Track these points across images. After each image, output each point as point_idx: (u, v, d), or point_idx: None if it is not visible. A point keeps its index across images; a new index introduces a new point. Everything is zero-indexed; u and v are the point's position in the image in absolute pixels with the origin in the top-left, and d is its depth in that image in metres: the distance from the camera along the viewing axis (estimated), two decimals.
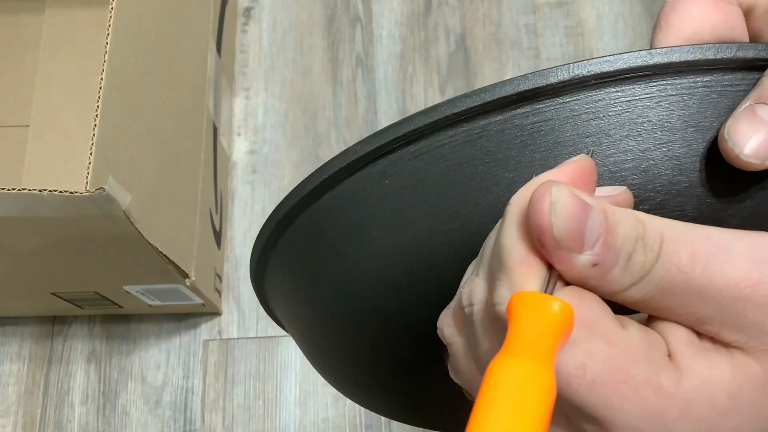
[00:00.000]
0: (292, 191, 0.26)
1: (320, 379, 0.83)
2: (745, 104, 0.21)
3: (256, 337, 0.84)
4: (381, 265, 0.25)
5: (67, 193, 0.51)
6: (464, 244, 0.24)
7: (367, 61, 0.95)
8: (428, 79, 0.94)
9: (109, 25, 0.56)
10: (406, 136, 0.24)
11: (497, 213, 0.22)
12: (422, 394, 0.32)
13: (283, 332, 0.85)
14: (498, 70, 0.94)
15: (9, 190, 0.52)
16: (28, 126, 0.84)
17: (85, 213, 0.54)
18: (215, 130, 0.84)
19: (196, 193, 0.77)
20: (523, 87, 0.22)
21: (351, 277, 0.26)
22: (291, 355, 0.84)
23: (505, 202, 0.21)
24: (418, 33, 0.96)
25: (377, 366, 0.30)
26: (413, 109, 0.93)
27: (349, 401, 0.82)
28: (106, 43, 0.55)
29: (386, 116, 0.93)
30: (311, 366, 0.84)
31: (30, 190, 0.52)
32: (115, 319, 0.85)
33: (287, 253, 0.28)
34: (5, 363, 0.84)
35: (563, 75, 0.22)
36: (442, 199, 0.24)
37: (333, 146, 0.92)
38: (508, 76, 0.94)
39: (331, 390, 0.83)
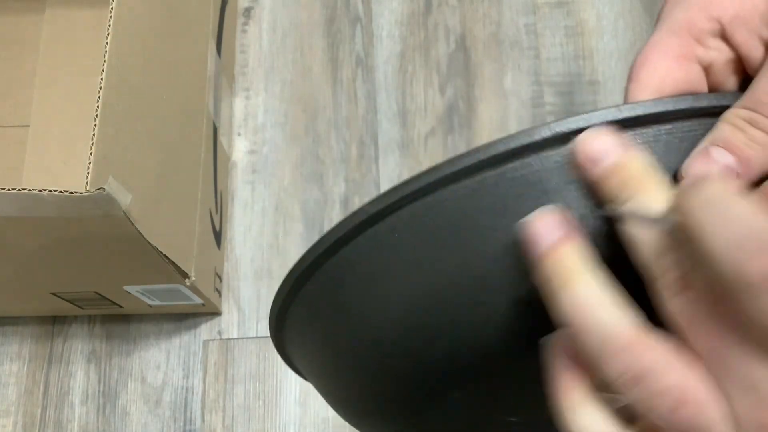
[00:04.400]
0: (309, 250, 0.29)
1: None
2: (701, 146, 0.25)
3: (256, 337, 0.84)
4: (393, 312, 0.28)
5: (67, 193, 0.51)
6: (472, 288, 0.26)
7: (367, 61, 0.95)
8: (428, 79, 0.94)
9: (109, 25, 0.56)
10: (411, 195, 0.27)
11: (499, 258, 0.26)
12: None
13: None
14: (498, 70, 0.94)
15: (9, 190, 0.52)
16: (28, 126, 0.84)
17: (85, 213, 0.54)
18: (215, 130, 0.84)
19: (196, 193, 0.77)
20: (512, 145, 0.26)
21: (365, 326, 0.29)
22: None
23: (505, 247, 0.25)
24: (418, 33, 0.96)
25: (396, 406, 0.31)
26: (413, 108, 0.93)
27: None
28: (106, 43, 0.55)
29: (386, 116, 0.93)
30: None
31: (30, 190, 0.52)
32: (115, 319, 0.85)
33: (306, 308, 0.31)
34: (5, 363, 0.84)
35: (546, 133, 0.25)
36: (447, 248, 0.26)
37: (333, 146, 0.92)
38: (509, 77, 0.94)
39: None
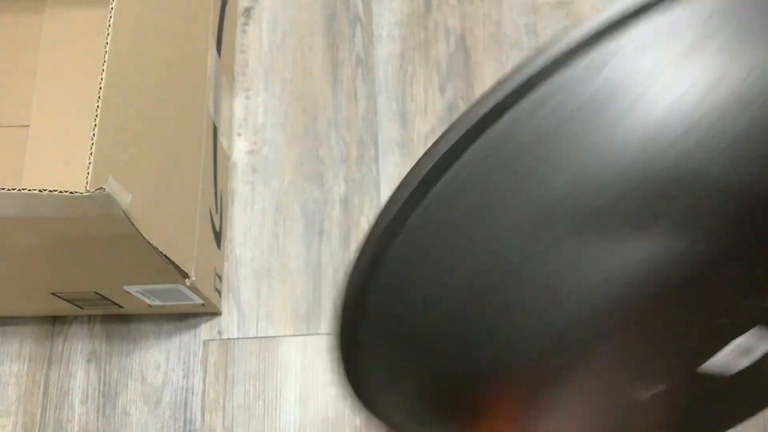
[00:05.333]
0: (376, 223, 0.27)
1: (320, 379, 0.83)
2: None
3: (256, 337, 0.84)
4: (472, 277, 0.27)
5: (67, 193, 0.51)
6: (560, 217, 0.25)
7: (367, 61, 0.95)
8: (428, 79, 0.94)
9: (109, 25, 0.56)
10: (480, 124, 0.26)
11: (577, 182, 0.24)
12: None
13: (283, 332, 0.85)
14: (498, 70, 0.94)
15: (9, 190, 0.52)
16: (28, 126, 0.84)
17: (85, 213, 0.54)
18: (215, 130, 0.84)
19: (196, 193, 0.77)
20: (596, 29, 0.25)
21: (443, 297, 0.27)
22: (291, 355, 0.84)
23: (586, 163, 0.24)
24: (418, 33, 0.96)
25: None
26: (413, 109, 0.93)
27: (349, 401, 0.82)
28: (106, 43, 0.55)
29: (386, 116, 0.93)
30: (311, 366, 0.84)
31: (30, 190, 0.52)
32: (115, 319, 0.85)
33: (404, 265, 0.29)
34: (5, 363, 0.84)
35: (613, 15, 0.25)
36: (514, 198, 0.25)
37: (333, 146, 0.92)
38: None
39: (332, 390, 0.83)
